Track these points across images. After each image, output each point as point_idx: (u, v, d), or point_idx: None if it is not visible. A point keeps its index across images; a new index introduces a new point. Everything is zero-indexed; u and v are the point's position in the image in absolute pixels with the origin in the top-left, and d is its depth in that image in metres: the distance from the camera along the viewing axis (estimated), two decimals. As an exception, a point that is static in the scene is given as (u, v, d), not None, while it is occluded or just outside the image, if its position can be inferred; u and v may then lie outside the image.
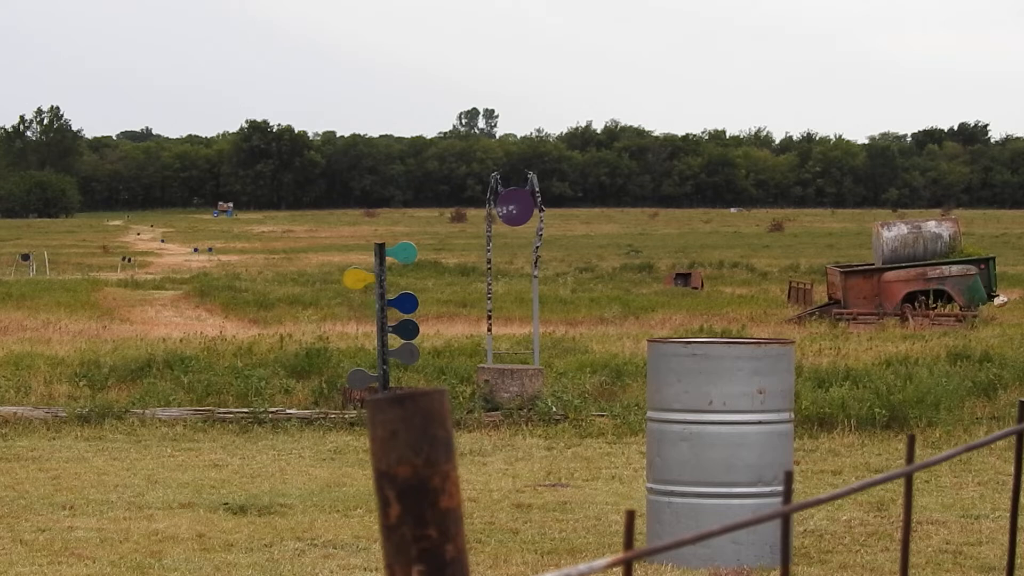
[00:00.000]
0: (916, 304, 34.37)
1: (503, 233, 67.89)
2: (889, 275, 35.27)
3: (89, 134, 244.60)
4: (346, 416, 18.56)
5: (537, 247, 20.23)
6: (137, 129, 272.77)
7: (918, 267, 35.26)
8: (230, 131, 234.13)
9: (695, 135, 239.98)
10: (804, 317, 34.91)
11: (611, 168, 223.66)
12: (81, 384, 20.46)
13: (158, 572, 10.74)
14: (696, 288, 47.75)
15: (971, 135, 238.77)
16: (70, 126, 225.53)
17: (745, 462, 10.87)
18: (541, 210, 19.86)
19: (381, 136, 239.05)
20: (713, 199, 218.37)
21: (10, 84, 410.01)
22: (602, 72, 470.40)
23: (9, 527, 12.32)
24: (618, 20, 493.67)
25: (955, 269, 35.11)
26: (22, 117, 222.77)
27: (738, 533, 10.60)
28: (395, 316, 19.40)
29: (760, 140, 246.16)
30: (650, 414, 11.28)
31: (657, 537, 11.04)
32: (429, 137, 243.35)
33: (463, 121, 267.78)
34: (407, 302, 19.62)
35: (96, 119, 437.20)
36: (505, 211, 19.81)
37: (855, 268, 38.03)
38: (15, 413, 18.62)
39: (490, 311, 20.79)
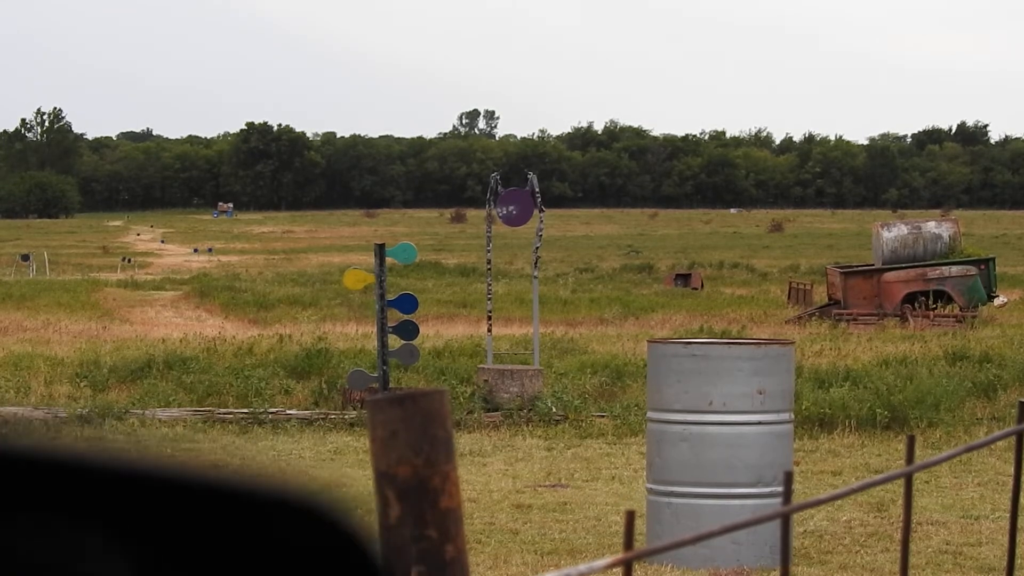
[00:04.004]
0: (916, 305, 34.37)
1: (503, 234, 67.89)
2: (889, 276, 35.27)
3: (90, 135, 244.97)
4: (346, 417, 18.56)
5: (537, 248, 20.23)
6: (138, 130, 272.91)
7: (918, 268, 35.26)
8: (230, 132, 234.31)
9: (695, 135, 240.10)
10: (804, 318, 34.92)
11: (611, 168, 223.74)
12: (81, 385, 20.46)
13: (158, 573, 10.74)
14: (696, 288, 47.73)
15: (971, 135, 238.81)
16: (71, 127, 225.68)
17: (745, 462, 10.87)
18: (541, 211, 19.86)
19: (381, 137, 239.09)
20: (713, 200, 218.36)
21: (11, 86, 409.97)
22: (602, 73, 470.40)
23: (9, 528, 12.32)
24: (618, 21, 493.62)
25: (955, 270, 35.11)
26: (23, 120, 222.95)
27: (738, 533, 10.60)
28: (395, 316, 19.40)
29: (760, 141, 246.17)
30: (650, 414, 11.28)
31: (657, 538, 11.04)
32: (429, 138, 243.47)
33: (463, 122, 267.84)
34: (407, 303, 19.61)
35: (96, 120, 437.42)
36: (505, 212, 19.81)
37: (855, 269, 38.03)
38: (15, 413, 18.62)
39: (490, 312, 20.79)
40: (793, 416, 11.36)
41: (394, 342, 19.04)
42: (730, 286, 51.19)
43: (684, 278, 50.01)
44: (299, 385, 20.37)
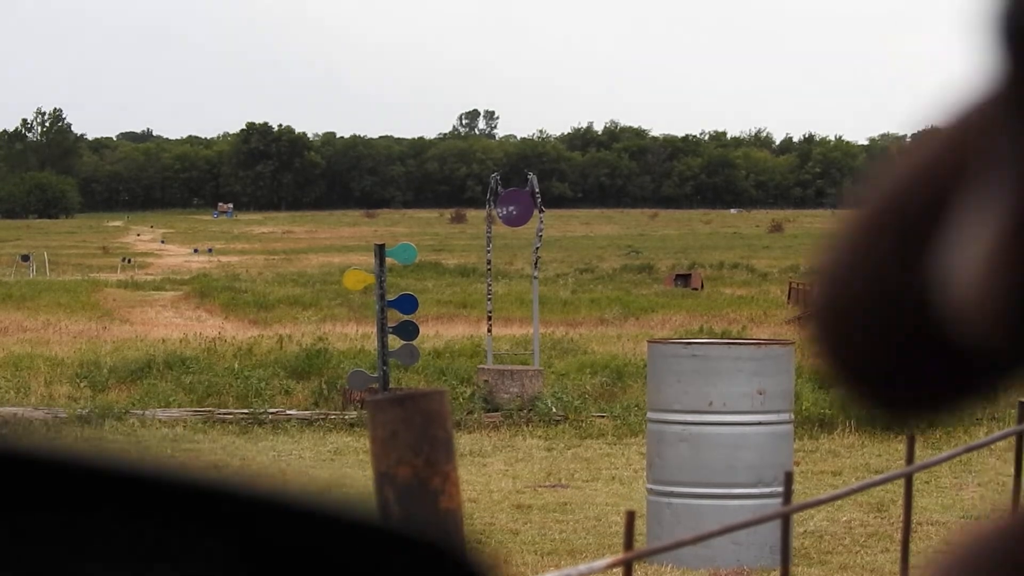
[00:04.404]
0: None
1: (503, 234, 67.91)
2: (889, 276, 35.26)
3: (90, 135, 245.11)
4: (346, 417, 18.56)
5: (537, 248, 20.22)
6: (138, 130, 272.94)
7: (918, 268, 35.26)
8: (230, 132, 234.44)
9: (695, 136, 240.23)
10: (804, 318, 34.87)
11: (611, 169, 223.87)
12: (81, 385, 20.47)
13: (158, 573, 10.73)
14: (696, 289, 47.73)
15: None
16: (71, 128, 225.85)
17: (745, 463, 10.87)
18: (541, 211, 19.85)
19: (381, 137, 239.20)
20: (713, 200, 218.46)
21: (11, 86, 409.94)
22: (602, 73, 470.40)
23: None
24: (618, 21, 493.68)
25: (955, 270, 35.12)
26: (24, 120, 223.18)
27: (738, 534, 10.60)
28: (395, 317, 19.40)
29: (760, 141, 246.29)
30: (650, 415, 11.28)
31: (657, 538, 11.04)
32: (429, 138, 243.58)
33: (463, 122, 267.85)
34: (407, 303, 19.61)
35: (97, 120, 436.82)
36: (505, 212, 19.81)
37: (855, 269, 38.00)
38: (15, 414, 18.62)
39: (490, 312, 20.79)
40: (793, 416, 11.36)
41: (394, 342, 19.03)
42: (730, 286, 51.19)
43: (684, 278, 50.00)
44: (299, 385, 20.37)
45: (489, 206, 20.16)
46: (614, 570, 1.99)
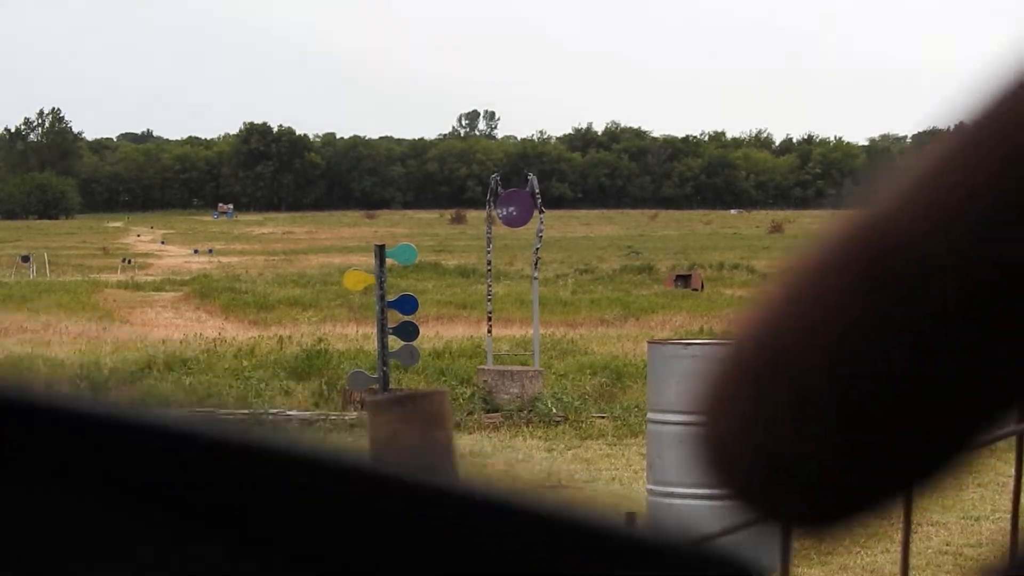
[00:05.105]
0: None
1: (503, 235, 67.87)
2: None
3: (90, 136, 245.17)
4: (346, 418, 18.57)
5: (537, 249, 20.22)
6: (138, 131, 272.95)
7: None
8: (230, 133, 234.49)
9: (695, 136, 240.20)
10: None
11: (611, 170, 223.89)
12: (81, 386, 20.46)
13: None
14: (696, 289, 47.72)
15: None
16: (71, 129, 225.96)
17: (745, 463, 10.88)
18: (541, 212, 19.85)
19: (381, 138, 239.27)
20: (713, 201, 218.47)
21: (11, 86, 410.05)
22: (602, 74, 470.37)
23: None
24: (618, 22, 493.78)
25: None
26: (27, 119, 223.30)
27: (738, 535, 10.60)
28: (395, 318, 19.40)
29: (760, 142, 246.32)
30: (650, 416, 11.28)
31: (657, 539, 11.04)
32: (429, 139, 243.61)
33: (463, 123, 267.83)
34: (407, 303, 19.61)
35: (97, 121, 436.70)
36: (505, 212, 19.81)
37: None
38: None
39: (490, 313, 20.79)
40: (793, 417, 11.37)
41: (394, 343, 19.03)
42: (730, 287, 51.18)
43: (684, 279, 49.98)
44: (299, 386, 20.37)
45: (489, 207, 20.16)
46: (614, 571, 1.98)
